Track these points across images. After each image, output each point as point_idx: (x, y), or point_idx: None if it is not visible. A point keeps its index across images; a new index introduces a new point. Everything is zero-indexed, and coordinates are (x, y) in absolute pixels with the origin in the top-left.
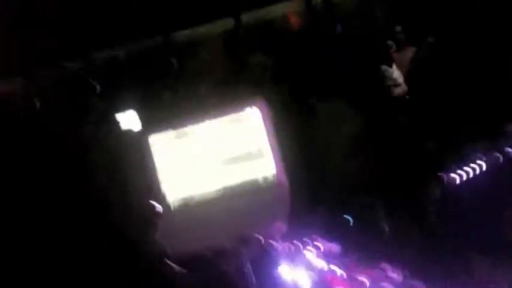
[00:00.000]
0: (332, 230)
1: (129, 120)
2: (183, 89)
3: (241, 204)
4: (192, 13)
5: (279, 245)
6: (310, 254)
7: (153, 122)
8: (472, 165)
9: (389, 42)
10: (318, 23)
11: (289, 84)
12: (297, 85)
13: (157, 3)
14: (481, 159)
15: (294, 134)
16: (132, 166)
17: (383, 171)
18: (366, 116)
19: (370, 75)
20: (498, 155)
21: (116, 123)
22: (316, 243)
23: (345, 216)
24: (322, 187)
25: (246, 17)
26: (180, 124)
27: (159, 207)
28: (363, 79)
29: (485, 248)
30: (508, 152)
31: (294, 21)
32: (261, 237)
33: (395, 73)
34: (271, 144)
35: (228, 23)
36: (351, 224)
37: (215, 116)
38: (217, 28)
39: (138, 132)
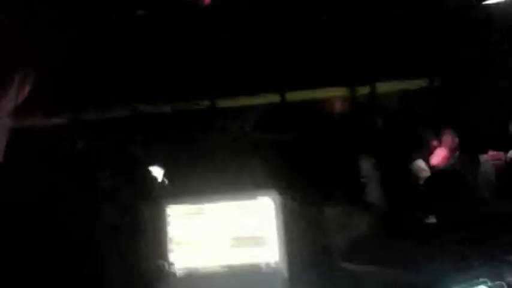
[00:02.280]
0: None
1: (154, 178)
2: (209, 165)
3: (240, 285)
4: (238, 83)
5: None
6: None
7: (174, 192)
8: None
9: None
10: (359, 112)
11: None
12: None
13: (205, 68)
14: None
15: (302, 229)
16: (146, 229)
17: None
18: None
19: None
20: (503, 284)
21: (143, 177)
22: None
23: None
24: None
25: (290, 95)
26: (199, 201)
27: (164, 269)
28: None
29: None
30: None
31: (337, 105)
32: None
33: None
34: (278, 234)
35: (271, 97)
36: None
37: (231, 198)
38: (262, 101)
39: (160, 199)
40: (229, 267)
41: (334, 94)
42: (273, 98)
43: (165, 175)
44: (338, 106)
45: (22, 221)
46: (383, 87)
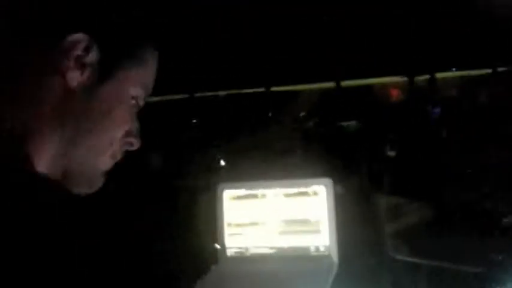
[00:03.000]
0: None
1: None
2: (264, 150)
3: (289, 267)
4: (293, 72)
5: None
6: None
7: (231, 178)
8: None
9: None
10: (418, 102)
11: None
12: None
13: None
14: None
15: (353, 216)
16: (203, 212)
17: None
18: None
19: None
20: None
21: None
22: None
23: None
24: (367, 273)
25: (347, 83)
26: (254, 186)
27: (217, 250)
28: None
29: None
30: None
31: (394, 93)
32: None
33: None
34: (329, 220)
35: (327, 85)
36: None
37: (285, 184)
38: (316, 88)
39: (216, 184)
40: (279, 249)
41: (392, 81)
42: (329, 85)
43: (220, 159)
44: (396, 94)
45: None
46: (443, 76)
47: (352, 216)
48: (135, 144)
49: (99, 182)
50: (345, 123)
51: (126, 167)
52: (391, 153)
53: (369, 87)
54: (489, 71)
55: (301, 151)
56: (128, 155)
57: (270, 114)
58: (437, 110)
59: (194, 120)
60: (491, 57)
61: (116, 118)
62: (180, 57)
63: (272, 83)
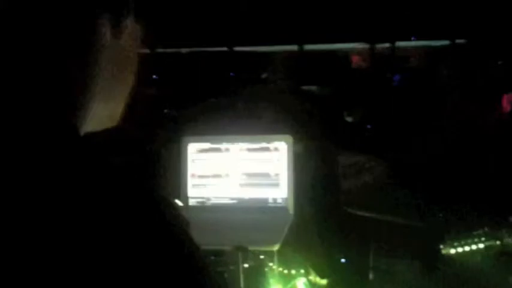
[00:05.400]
0: (321, 267)
1: (174, 119)
2: (230, 106)
3: (247, 216)
4: (257, 33)
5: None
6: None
7: (194, 131)
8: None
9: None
10: (378, 69)
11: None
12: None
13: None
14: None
15: (312, 172)
16: (167, 164)
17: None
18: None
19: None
20: (497, 242)
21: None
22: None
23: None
24: (322, 227)
25: (310, 46)
26: (218, 140)
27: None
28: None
29: None
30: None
31: (355, 60)
32: (255, 252)
33: None
34: (288, 174)
35: (290, 47)
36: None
37: (248, 140)
38: (280, 49)
39: (180, 137)
40: (239, 200)
41: (354, 48)
42: (292, 48)
43: (184, 115)
44: (358, 60)
45: None
46: (403, 45)
47: (309, 172)
48: None
49: None
50: (306, 87)
51: None
52: (349, 118)
53: (331, 52)
54: (447, 42)
55: (261, 111)
56: None
57: (231, 74)
58: (397, 77)
59: (155, 76)
60: (451, 29)
61: (134, 66)
62: (145, 12)
63: (235, 43)
